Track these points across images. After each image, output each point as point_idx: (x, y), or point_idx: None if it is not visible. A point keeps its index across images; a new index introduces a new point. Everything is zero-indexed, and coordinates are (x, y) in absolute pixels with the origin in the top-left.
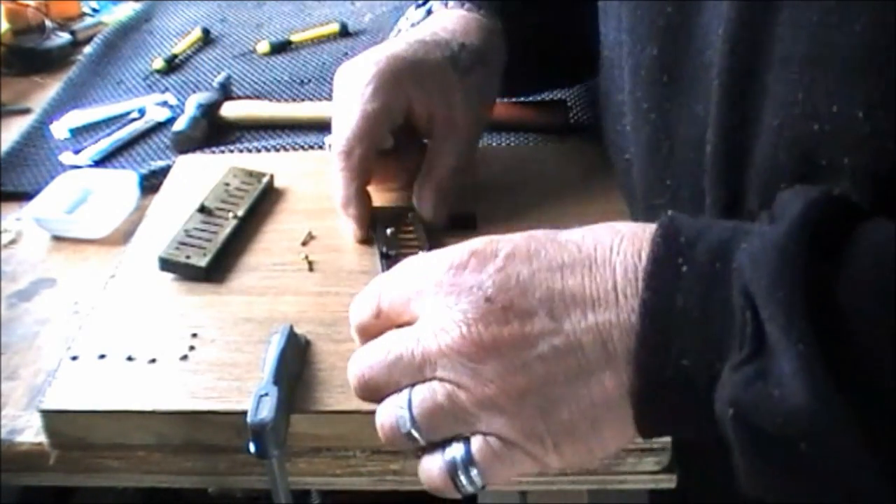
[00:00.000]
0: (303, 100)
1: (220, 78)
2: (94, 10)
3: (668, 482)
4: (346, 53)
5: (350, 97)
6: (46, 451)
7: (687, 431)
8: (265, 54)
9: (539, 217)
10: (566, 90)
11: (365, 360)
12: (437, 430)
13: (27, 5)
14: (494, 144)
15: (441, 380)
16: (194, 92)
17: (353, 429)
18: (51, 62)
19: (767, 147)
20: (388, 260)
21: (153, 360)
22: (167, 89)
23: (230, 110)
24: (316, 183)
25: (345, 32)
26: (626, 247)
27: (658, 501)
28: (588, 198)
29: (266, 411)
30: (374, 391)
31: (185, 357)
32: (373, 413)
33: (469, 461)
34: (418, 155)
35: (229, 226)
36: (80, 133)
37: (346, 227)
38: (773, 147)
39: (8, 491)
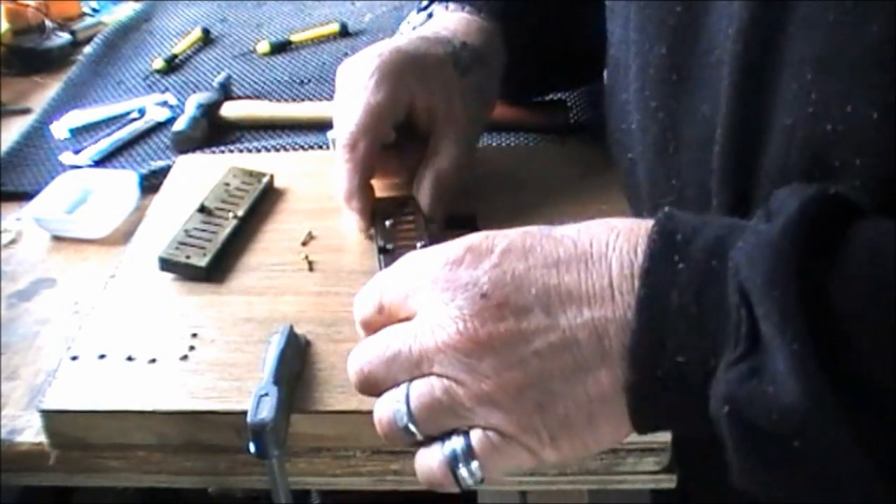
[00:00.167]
0: (303, 100)
1: (220, 78)
2: (94, 10)
3: (668, 482)
4: (346, 53)
5: (353, 91)
6: (46, 451)
7: (681, 427)
8: (265, 54)
9: (538, 217)
10: (566, 91)
11: (364, 355)
12: (434, 425)
13: (27, 5)
14: (494, 144)
15: (438, 375)
16: (194, 92)
17: (353, 429)
18: (51, 62)
19: (778, 147)
20: (386, 254)
21: (153, 360)
22: (167, 89)
23: (230, 110)
24: (316, 183)
25: (345, 32)
26: (621, 243)
27: (660, 501)
28: (588, 198)
29: (266, 411)
30: (373, 386)
31: (185, 357)
32: (372, 413)
33: (469, 453)
34: (419, 152)
35: (229, 226)
36: (80, 133)
37: (349, 221)
38: (783, 147)
39: (8, 491)
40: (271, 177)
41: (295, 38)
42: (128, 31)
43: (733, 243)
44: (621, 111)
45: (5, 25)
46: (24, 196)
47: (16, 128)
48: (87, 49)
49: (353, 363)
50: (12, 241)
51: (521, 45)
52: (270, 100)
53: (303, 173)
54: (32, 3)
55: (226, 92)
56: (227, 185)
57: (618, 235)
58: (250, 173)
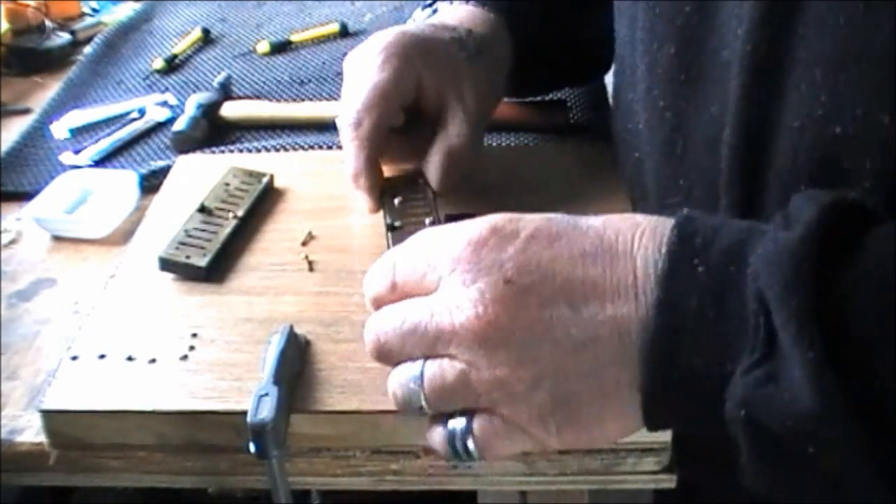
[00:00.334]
0: (303, 100)
1: (220, 78)
2: (94, 10)
3: (668, 482)
4: (346, 53)
5: (358, 73)
6: (46, 451)
7: (694, 428)
8: (265, 54)
9: None
10: (566, 90)
11: (381, 325)
12: (444, 405)
13: (27, 5)
14: (494, 144)
15: (452, 357)
16: (194, 92)
17: (353, 429)
18: (51, 62)
19: (787, 149)
20: (395, 231)
21: (153, 360)
22: (167, 89)
23: (230, 110)
24: (316, 183)
25: (345, 32)
26: (646, 241)
27: (662, 501)
28: (588, 198)
29: (266, 411)
30: (388, 356)
31: (185, 357)
32: (372, 413)
33: (468, 434)
34: (429, 137)
35: (229, 226)
36: (80, 133)
37: (358, 200)
38: (792, 149)
39: (8, 491)
40: (271, 177)
41: (295, 38)
42: (128, 31)
43: (752, 249)
44: (628, 110)
45: (5, 25)
46: (24, 196)
47: (16, 128)
48: (87, 49)
49: (370, 332)
50: (12, 241)
51: (525, 39)
52: (270, 100)
53: (303, 173)
54: (32, 3)
55: (226, 92)
56: (227, 185)
57: (643, 233)
58: (250, 173)
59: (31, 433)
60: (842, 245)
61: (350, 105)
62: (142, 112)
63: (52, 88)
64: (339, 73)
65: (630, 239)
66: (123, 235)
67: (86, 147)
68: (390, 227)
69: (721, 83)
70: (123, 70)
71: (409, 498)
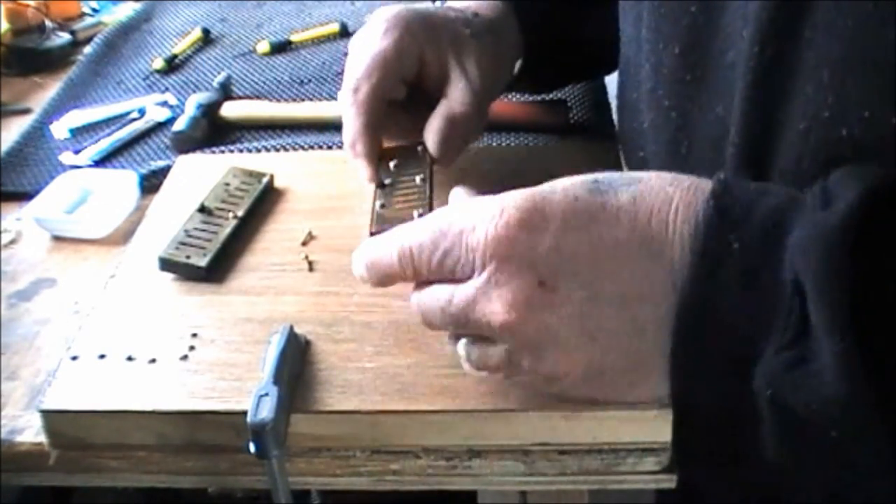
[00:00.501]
0: (303, 100)
1: (220, 78)
2: (94, 10)
3: (668, 482)
4: (346, 53)
5: (361, 45)
6: (46, 451)
7: (717, 399)
8: (265, 54)
9: None
10: (566, 90)
11: (425, 306)
12: (483, 364)
13: (27, 5)
14: (494, 144)
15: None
16: (194, 92)
17: (353, 429)
18: (51, 62)
19: (792, 151)
20: (384, 188)
21: (153, 360)
22: (167, 89)
23: (230, 110)
24: (316, 183)
25: (345, 32)
26: (680, 223)
27: (663, 501)
28: None
29: (266, 411)
30: (417, 276)
31: (185, 357)
32: (372, 413)
33: (474, 353)
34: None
35: (229, 226)
36: (80, 133)
37: (357, 169)
38: (797, 151)
39: (8, 491)
40: (271, 177)
41: (295, 38)
42: (128, 31)
43: (791, 225)
44: (632, 109)
45: (5, 25)
46: (24, 196)
47: (16, 128)
48: (87, 49)
49: (415, 306)
50: (12, 241)
51: (533, 28)
52: (270, 100)
53: (303, 173)
54: (32, 3)
55: (226, 92)
56: (227, 185)
57: (677, 210)
58: (250, 173)
59: (31, 433)
60: (880, 232)
61: (349, 74)
62: (142, 112)
63: (52, 88)
64: (340, 73)
65: (665, 221)
66: (123, 235)
67: (86, 147)
68: (380, 185)
69: (726, 84)
70: (123, 70)
71: (409, 498)
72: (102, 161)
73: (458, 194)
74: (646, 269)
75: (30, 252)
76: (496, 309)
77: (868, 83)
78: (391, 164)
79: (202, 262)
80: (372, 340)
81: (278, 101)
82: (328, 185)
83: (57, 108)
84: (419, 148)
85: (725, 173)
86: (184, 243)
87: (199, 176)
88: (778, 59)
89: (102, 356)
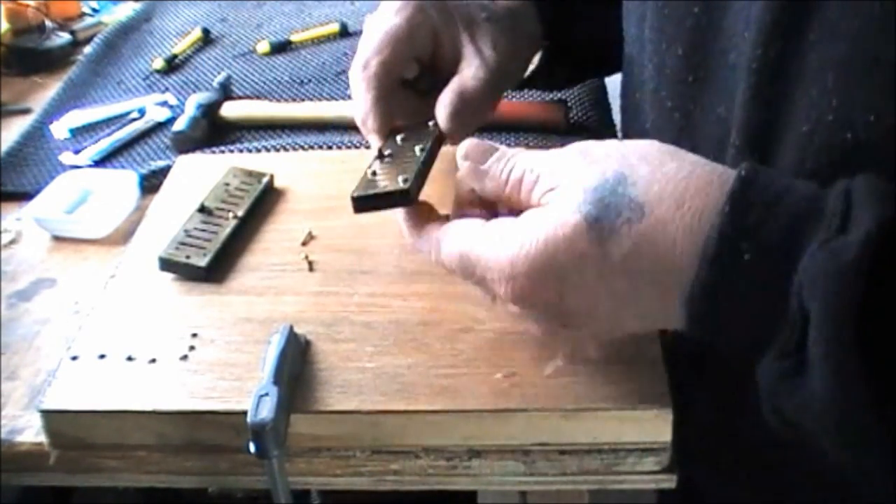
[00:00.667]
0: (303, 100)
1: (220, 78)
2: (94, 10)
3: (668, 482)
4: (346, 53)
5: (373, 24)
6: (46, 451)
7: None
8: (265, 54)
9: None
10: (566, 90)
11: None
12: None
13: (27, 5)
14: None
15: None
16: (194, 92)
17: (353, 429)
18: (51, 62)
19: (794, 154)
20: (382, 158)
21: (153, 360)
22: (167, 89)
23: (230, 110)
24: (316, 183)
25: (345, 32)
26: (689, 245)
27: (664, 501)
28: None
29: (266, 411)
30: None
31: (185, 357)
32: (372, 413)
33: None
34: None
35: (229, 226)
36: (80, 133)
37: (369, 141)
38: (800, 154)
39: (8, 491)
40: (271, 177)
41: (295, 38)
42: (128, 31)
43: (807, 241)
44: (635, 110)
45: (5, 25)
46: (24, 196)
47: (16, 128)
48: (87, 49)
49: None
50: (12, 241)
51: (551, 20)
52: (270, 100)
53: (303, 173)
54: (32, 3)
55: (226, 92)
56: (227, 185)
57: (686, 232)
58: (250, 173)
59: (31, 433)
60: (893, 269)
61: (360, 50)
62: (142, 112)
63: (52, 88)
64: (339, 73)
65: (672, 251)
66: (123, 235)
67: (86, 147)
68: (380, 155)
69: (729, 85)
70: (123, 70)
71: (409, 498)
72: (102, 161)
73: (471, 147)
74: (658, 305)
75: (30, 252)
76: (520, 324)
77: (873, 86)
78: (398, 138)
79: (202, 262)
80: (372, 340)
81: (278, 101)
82: (328, 185)
83: (57, 108)
84: (430, 123)
85: (746, 169)
86: (184, 243)
87: (199, 176)
88: (780, 61)
89: (102, 356)
